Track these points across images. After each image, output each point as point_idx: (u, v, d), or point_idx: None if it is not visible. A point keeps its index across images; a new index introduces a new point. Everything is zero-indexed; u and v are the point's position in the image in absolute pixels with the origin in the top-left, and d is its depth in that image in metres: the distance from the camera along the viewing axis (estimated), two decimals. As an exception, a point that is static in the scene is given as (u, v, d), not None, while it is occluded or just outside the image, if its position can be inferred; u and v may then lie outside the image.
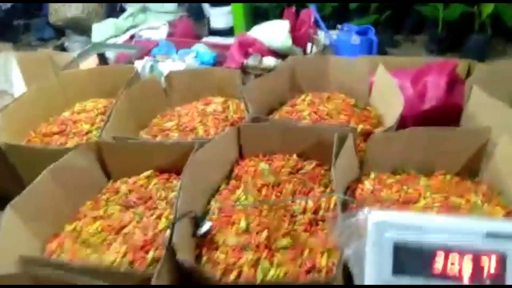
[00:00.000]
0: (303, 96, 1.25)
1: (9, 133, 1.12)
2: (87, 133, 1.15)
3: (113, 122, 1.09)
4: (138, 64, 1.65)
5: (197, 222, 0.83)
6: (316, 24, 1.88)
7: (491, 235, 0.39)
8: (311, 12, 1.61)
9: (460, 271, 0.39)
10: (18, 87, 1.30)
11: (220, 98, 1.27)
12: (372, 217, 0.41)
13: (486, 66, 1.34)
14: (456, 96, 1.27)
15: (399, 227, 0.40)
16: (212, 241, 0.85)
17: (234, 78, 1.26)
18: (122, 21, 2.15)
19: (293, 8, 1.65)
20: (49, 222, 0.89)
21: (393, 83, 1.13)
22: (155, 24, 2.13)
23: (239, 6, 1.81)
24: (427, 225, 0.40)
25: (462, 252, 0.39)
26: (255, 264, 0.80)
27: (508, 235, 0.38)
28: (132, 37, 2.10)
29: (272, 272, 0.78)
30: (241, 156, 1.05)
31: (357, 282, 0.42)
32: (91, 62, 1.79)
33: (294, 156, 1.02)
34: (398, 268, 0.40)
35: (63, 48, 2.23)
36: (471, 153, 0.94)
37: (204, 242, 0.85)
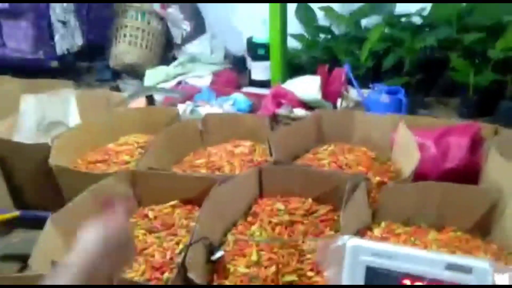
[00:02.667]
0: (325, 146, 1.33)
1: (60, 157, 1.26)
2: (126, 163, 1.28)
3: (150, 156, 1.21)
4: (181, 108, 1.81)
5: (211, 249, 0.90)
6: (349, 82, 1.99)
7: (451, 267, 0.43)
8: (342, 71, 1.71)
9: (423, 298, 0.43)
10: (74, 119, 1.47)
11: (248, 142, 1.37)
12: (350, 241, 0.47)
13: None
14: (479, 157, 1.30)
15: (373, 252, 0.46)
16: (224, 269, 0.91)
17: (263, 125, 1.36)
18: (172, 68, 2.37)
19: (327, 66, 1.77)
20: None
21: (412, 140, 1.19)
22: (201, 73, 2.33)
23: (277, 61, 1.96)
24: (397, 253, 0.46)
25: (426, 281, 0.44)
26: (264, 293, 0.85)
27: (465, 268, 0.43)
28: (179, 83, 2.30)
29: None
30: (261, 195, 1.13)
31: (333, 301, 0.47)
32: (140, 102, 1.97)
33: (310, 199, 1.08)
34: (369, 288, 0.45)
35: (118, 89, 2.46)
36: (482, 211, 0.96)
37: (216, 270, 0.91)
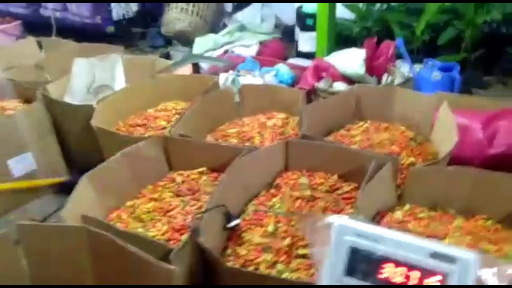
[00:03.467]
0: (361, 123, 1.29)
1: (104, 119, 1.34)
2: (163, 128, 1.33)
3: (185, 123, 1.24)
4: (222, 77, 1.83)
5: (228, 217, 0.93)
6: (402, 57, 1.89)
7: (435, 256, 0.41)
8: (390, 45, 1.63)
9: (404, 283, 0.42)
10: (120, 84, 1.55)
11: (283, 114, 1.37)
12: (338, 221, 0.47)
13: None
14: (531, 144, 1.20)
15: (358, 233, 0.45)
16: (240, 237, 0.94)
17: (299, 98, 1.34)
18: (220, 37, 2.38)
19: (375, 39, 1.68)
20: (115, 196, 1.07)
21: (453, 121, 1.11)
22: (248, 42, 2.32)
23: (323, 32, 1.90)
24: (382, 236, 0.45)
25: (408, 267, 0.43)
26: (272, 265, 0.87)
27: (450, 258, 0.41)
28: (226, 52, 2.32)
29: (285, 275, 0.84)
30: (286, 168, 1.13)
31: (317, 278, 0.47)
32: (186, 70, 2.02)
33: (335, 176, 1.07)
34: (350, 270, 0.45)
35: (168, 56, 2.53)
36: (518, 202, 0.90)
37: (232, 237, 0.94)
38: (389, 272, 0.43)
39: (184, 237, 0.91)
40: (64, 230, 0.80)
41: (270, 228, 0.94)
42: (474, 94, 1.78)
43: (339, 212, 0.97)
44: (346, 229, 0.46)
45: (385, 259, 0.44)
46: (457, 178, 0.94)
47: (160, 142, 1.15)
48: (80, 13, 2.47)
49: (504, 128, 1.27)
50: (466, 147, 1.35)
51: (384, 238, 0.45)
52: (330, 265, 0.46)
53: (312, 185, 1.05)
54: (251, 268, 0.85)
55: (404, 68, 2.04)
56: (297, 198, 1.02)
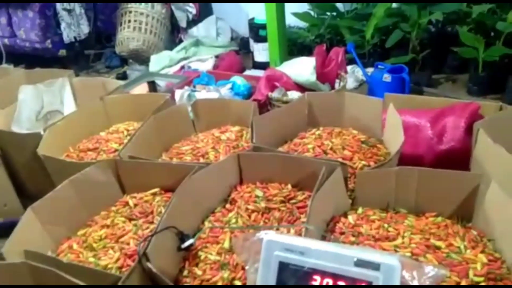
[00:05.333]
0: (313, 130, 1.30)
1: (52, 146, 1.29)
2: (115, 151, 1.30)
3: (135, 143, 1.22)
4: (178, 93, 1.82)
5: (182, 237, 0.91)
6: (355, 61, 1.93)
7: (360, 264, 0.41)
8: (339, 51, 1.66)
9: (333, 295, 0.42)
10: (69, 108, 1.50)
11: (237, 127, 1.36)
12: (266, 237, 0.46)
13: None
14: (476, 138, 1.24)
15: (286, 247, 0.45)
16: (196, 256, 0.92)
17: (251, 110, 1.34)
18: (175, 53, 2.37)
19: (324, 46, 1.71)
20: (65, 226, 1.03)
21: (399, 122, 1.14)
22: (204, 57, 2.32)
23: (274, 41, 1.92)
24: (308, 249, 0.44)
25: (334, 277, 0.42)
26: (229, 283, 0.85)
27: (374, 265, 0.41)
28: (183, 67, 2.31)
29: (242, 292, 0.83)
30: (241, 182, 1.12)
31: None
32: (142, 89, 1.99)
33: (289, 186, 1.06)
34: (280, 284, 0.44)
35: (125, 76, 2.50)
36: (463, 197, 0.92)
37: (188, 257, 0.92)
38: (316, 284, 0.43)
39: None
40: (3, 268, 0.76)
41: (226, 244, 0.93)
42: (425, 93, 1.83)
43: (294, 221, 0.97)
44: (275, 244, 0.45)
45: (312, 272, 0.43)
46: (403, 177, 0.95)
47: (110, 165, 1.12)
48: (29, 38, 2.41)
49: (451, 124, 1.31)
50: (418, 145, 1.38)
51: (311, 251, 0.44)
52: (261, 281, 0.45)
53: (266, 196, 1.04)
54: (206, 288, 0.84)
55: (358, 72, 2.10)
56: (253, 211, 1.01)
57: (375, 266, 0.41)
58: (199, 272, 0.88)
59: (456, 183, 0.92)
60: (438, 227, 0.91)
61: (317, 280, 0.43)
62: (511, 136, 1.07)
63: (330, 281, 0.43)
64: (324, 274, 0.43)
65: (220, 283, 0.85)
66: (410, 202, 0.97)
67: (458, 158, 1.25)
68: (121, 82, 1.69)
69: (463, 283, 0.75)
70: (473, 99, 1.73)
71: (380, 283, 0.41)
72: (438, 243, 0.85)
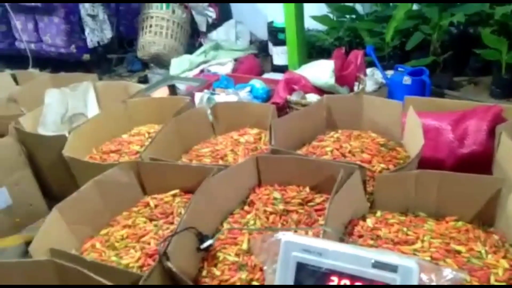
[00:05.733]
0: (332, 133, 1.30)
1: (77, 148, 1.33)
2: (136, 153, 1.33)
3: (156, 146, 1.24)
4: (198, 96, 1.84)
5: (201, 238, 0.93)
6: (374, 64, 1.92)
7: (377, 266, 0.42)
8: (358, 54, 1.65)
9: (350, 296, 0.42)
10: (92, 111, 1.55)
11: (255, 130, 1.37)
12: (284, 237, 0.47)
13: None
14: (498, 142, 1.21)
15: (304, 248, 0.45)
16: (214, 257, 0.93)
17: (270, 113, 1.35)
18: (195, 57, 2.41)
19: (343, 49, 1.71)
20: (88, 225, 1.06)
21: (419, 125, 1.13)
22: (223, 60, 2.34)
23: (293, 45, 1.93)
24: (326, 250, 0.45)
25: (351, 278, 0.43)
26: (248, 284, 0.86)
27: (391, 267, 0.41)
28: (202, 71, 2.34)
29: (260, 293, 0.84)
30: (259, 184, 1.13)
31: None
32: (163, 92, 2.03)
33: (307, 188, 1.07)
34: (298, 284, 0.45)
35: (146, 79, 2.54)
36: (484, 201, 0.91)
37: (207, 258, 0.94)
38: (334, 285, 0.44)
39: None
40: (29, 265, 0.79)
41: (245, 246, 0.94)
42: (447, 96, 1.81)
43: (312, 224, 0.97)
44: (293, 245, 0.46)
45: (330, 272, 0.44)
46: (423, 181, 0.95)
47: (131, 167, 1.14)
48: (55, 43, 2.48)
49: (473, 127, 1.29)
50: (438, 149, 1.37)
51: (329, 252, 0.45)
52: (279, 281, 0.46)
53: (285, 199, 1.05)
54: (225, 289, 0.85)
55: (378, 75, 2.08)
56: (271, 213, 1.02)
57: (393, 268, 0.41)
58: (217, 273, 0.89)
59: (477, 187, 0.91)
60: (459, 231, 0.90)
61: (334, 281, 0.44)
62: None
63: (347, 282, 0.43)
64: (341, 275, 0.44)
65: (238, 284, 0.86)
66: (430, 206, 0.96)
67: (480, 162, 1.23)
68: (143, 86, 1.72)
69: (484, 288, 0.74)
70: (496, 102, 1.70)
71: (398, 285, 0.41)
72: (459, 248, 0.84)
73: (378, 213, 0.98)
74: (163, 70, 2.58)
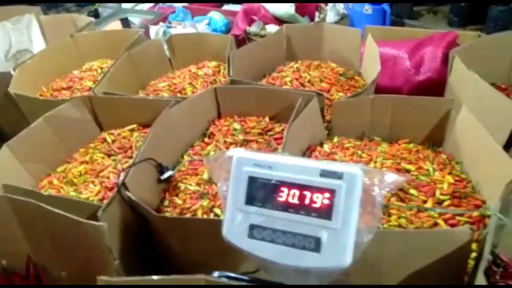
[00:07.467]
0: (292, 63, 1.29)
1: (24, 86, 1.26)
2: (89, 89, 1.27)
3: (109, 80, 1.19)
4: (153, 29, 1.75)
5: (161, 169, 0.92)
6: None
7: (324, 174, 0.43)
8: (319, -19, 1.60)
9: (299, 203, 0.44)
10: (38, 46, 1.44)
11: (214, 62, 1.34)
12: (235, 153, 0.47)
13: (490, 36, 1.28)
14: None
15: (255, 163, 0.46)
16: (176, 187, 0.94)
17: (228, 44, 1.31)
18: (149, -12, 2.25)
19: (303, -23, 1.65)
20: (44, 163, 1.03)
21: (377, 53, 1.13)
22: (179, -8, 2.21)
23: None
24: (276, 163, 0.46)
25: (301, 188, 0.44)
26: (209, 210, 0.88)
27: (337, 174, 0.43)
28: (156, 3, 2.20)
29: (222, 217, 0.86)
30: (219, 116, 1.12)
31: (223, 213, 0.49)
32: (115, 26, 1.91)
33: (267, 118, 1.07)
34: (250, 198, 0.46)
35: (97, 14, 2.37)
36: (435, 123, 0.94)
37: (169, 189, 0.94)
38: (284, 195, 0.45)
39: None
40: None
41: (205, 175, 0.95)
42: (406, 25, 1.81)
43: (272, 151, 0.99)
44: (244, 160, 0.47)
45: (280, 184, 0.45)
46: (377, 106, 0.97)
47: (84, 102, 1.10)
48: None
49: (429, 55, 1.31)
50: (395, 77, 1.39)
51: (279, 165, 0.46)
52: (232, 196, 0.47)
53: (245, 129, 1.05)
54: (189, 215, 0.86)
55: (339, 6, 2.04)
56: (231, 144, 1.03)
57: (339, 175, 0.43)
58: (179, 202, 0.90)
59: (428, 109, 0.94)
60: (410, 152, 0.94)
61: (284, 191, 0.45)
62: (486, 63, 1.09)
63: (296, 192, 0.44)
64: (291, 185, 0.45)
65: (200, 211, 0.88)
66: (385, 131, 0.99)
67: (435, 88, 1.27)
68: (92, 19, 1.61)
69: (430, 202, 0.79)
70: (453, 30, 1.72)
71: (343, 191, 0.43)
72: (408, 166, 0.88)
73: (335, 139, 1.00)
74: (115, 3, 2.41)
